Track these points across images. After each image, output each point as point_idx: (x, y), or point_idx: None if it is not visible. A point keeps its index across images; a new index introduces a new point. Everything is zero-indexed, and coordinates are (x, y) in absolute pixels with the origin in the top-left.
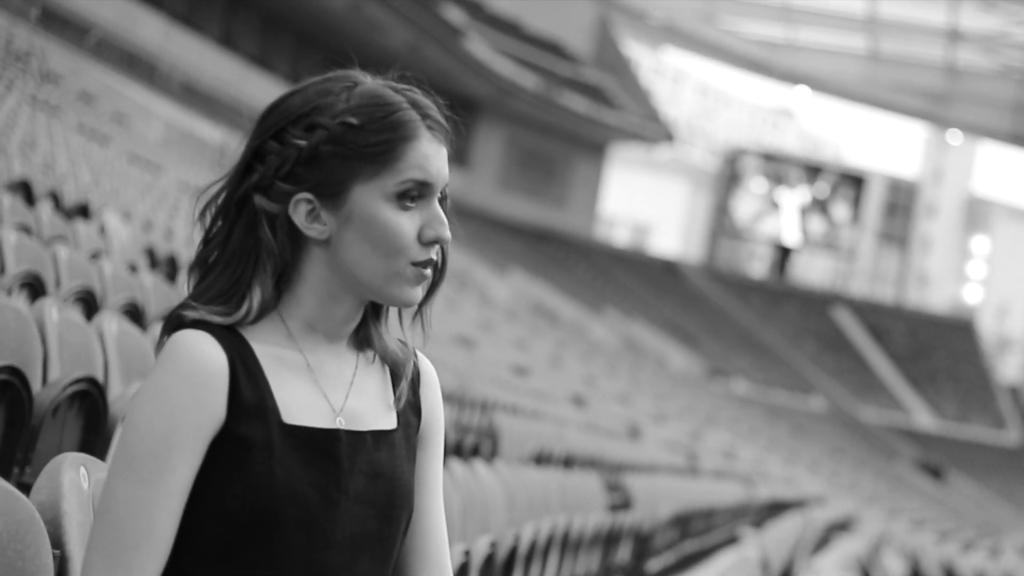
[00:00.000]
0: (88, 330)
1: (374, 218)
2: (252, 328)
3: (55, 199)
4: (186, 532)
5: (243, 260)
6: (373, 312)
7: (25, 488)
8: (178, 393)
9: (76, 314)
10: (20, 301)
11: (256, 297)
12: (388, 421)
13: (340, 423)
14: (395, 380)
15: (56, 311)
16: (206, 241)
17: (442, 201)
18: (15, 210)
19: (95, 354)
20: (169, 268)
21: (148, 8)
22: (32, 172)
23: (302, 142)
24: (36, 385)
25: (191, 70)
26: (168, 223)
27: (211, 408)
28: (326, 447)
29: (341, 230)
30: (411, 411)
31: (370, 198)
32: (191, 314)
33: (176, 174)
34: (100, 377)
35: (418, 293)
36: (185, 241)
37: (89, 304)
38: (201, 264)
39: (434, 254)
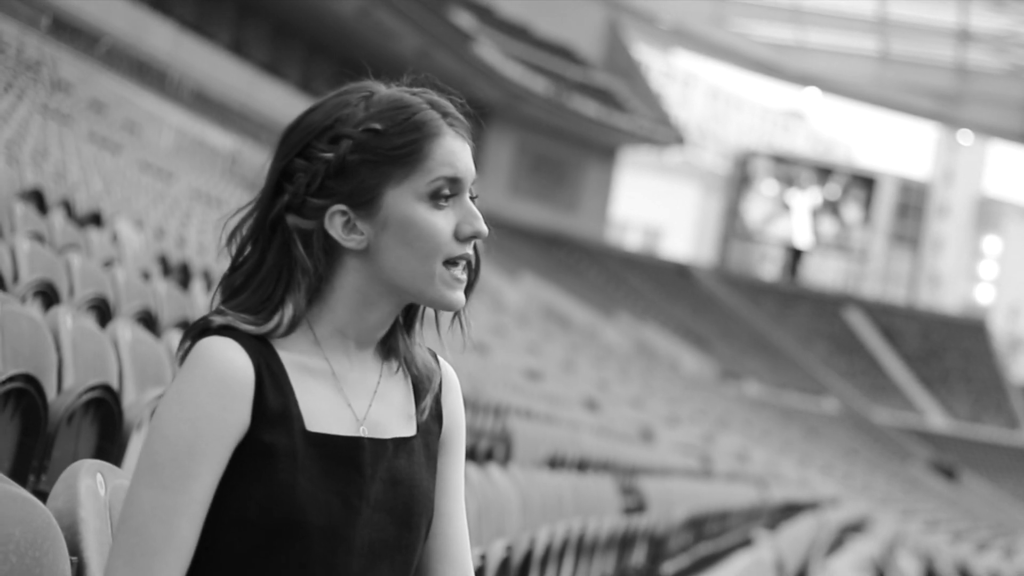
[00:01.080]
0: (102, 338)
1: (410, 219)
2: (279, 339)
3: (67, 207)
4: (209, 539)
5: (277, 280)
6: (404, 322)
7: (41, 495)
8: (204, 400)
9: (90, 322)
10: (34, 309)
11: (288, 313)
12: (408, 428)
13: (363, 431)
14: (418, 392)
15: (70, 319)
16: (234, 267)
17: (472, 199)
18: (28, 218)
19: (109, 362)
20: (182, 275)
21: (158, 16)
22: (44, 181)
23: (329, 155)
24: (51, 393)
25: (202, 78)
26: (180, 231)
27: (236, 416)
28: (349, 455)
29: (378, 237)
30: (432, 418)
31: (404, 200)
32: (219, 319)
33: (188, 182)
34: (115, 384)
35: (461, 296)
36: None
37: (103, 312)
38: (229, 287)
39: (471, 249)
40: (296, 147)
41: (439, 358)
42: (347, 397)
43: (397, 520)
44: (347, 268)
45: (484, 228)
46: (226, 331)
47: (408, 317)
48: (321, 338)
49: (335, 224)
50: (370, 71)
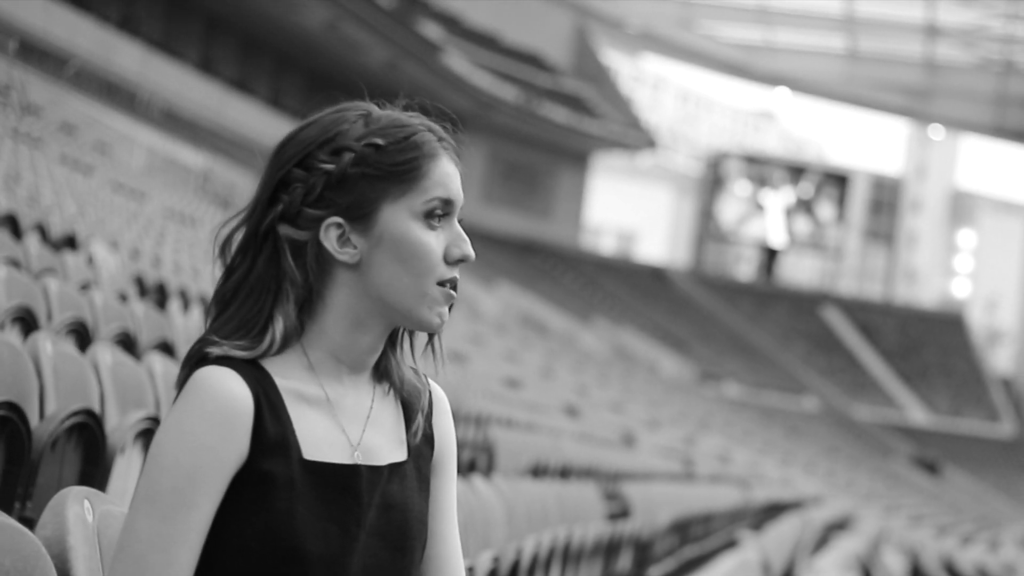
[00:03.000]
0: (83, 362)
1: (405, 237)
2: (274, 360)
3: (42, 231)
4: (207, 567)
5: (265, 291)
6: (390, 343)
7: (27, 522)
8: (203, 431)
9: (70, 346)
10: (13, 335)
11: (279, 328)
12: (400, 453)
13: (358, 458)
14: (408, 413)
15: (50, 344)
16: (227, 274)
17: (459, 222)
18: (2, 244)
19: (91, 386)
20: (159, 296)
21: (125, 36)
22: (18, 205)
23: (330, 166)
24: (34, 420)
25: (171, 96)
26: (155, 250)
27: (235, 445)
28: (346, 483)
29: (372, 252)
30: (424, 441)
31: (399, 217)
32: (215, 350)
33: (161, 201)
34: (97, 409)
35: (446, 315)
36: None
37: (82, 336)
38: (221, 299)
39: (457, 272)
40: (294, 157)
41: (427, 378)
42: (341, 423)
43: (391, 545)
44: (338, 283)
45: (472, 252)
46: (223, 361)
47: (392, 338)
48: (315, 363)
49: (330, 236)
50: (339, 85)
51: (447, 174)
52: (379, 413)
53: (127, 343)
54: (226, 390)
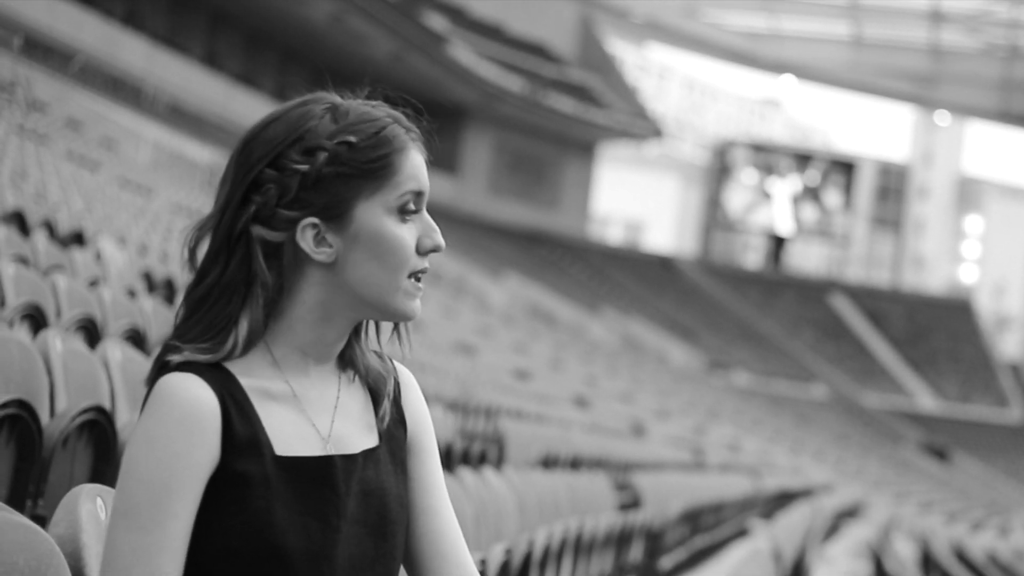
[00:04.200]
0: (92, 359)
1: (380, 233)
2: (237, 361)
3: (49, 228)
4: (193, 572)
5: (234, 294)
6: (354, 332)
7: (39, 520)
8: (172, 438)
9: (79, 343)
10: (22, 333)
11: (242, 331)
12: (371, 439)
13: (330, 448)
14: (375, 398)
15: (60, 342)
16: (200, 278)
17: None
18: (11, 241)
19: (101, 382)
20: (167, 291)
21: (130, 31)
22: (25, 202)
23: (304, 166)
24: (44, 417)
25: (177, 91)
26: (163, 246)
27: (206, 449)
28: (322, 475)
29: (347, 250)
30: (395, 424)
31: (374, 214)
32: (176, 357)
33: (167, 196)
34: (107, 405)
35: (419, 306)
36: (181, 263)
37: (91, 332)
38: (194, 302)
39: (428, 263)
40: (264, 158)
41: (392, 361)
42: (310, 417)
43: (373, 532)
44: (310, 281)
45: (442, 242)
46: (185, 367)
47: (356, 327)
48: (279, 358)
49: (306, 237)
50: (343, 78)
51: (416, 166)
52: (346, 402)
53: (136, 339)
54: (190, 396)
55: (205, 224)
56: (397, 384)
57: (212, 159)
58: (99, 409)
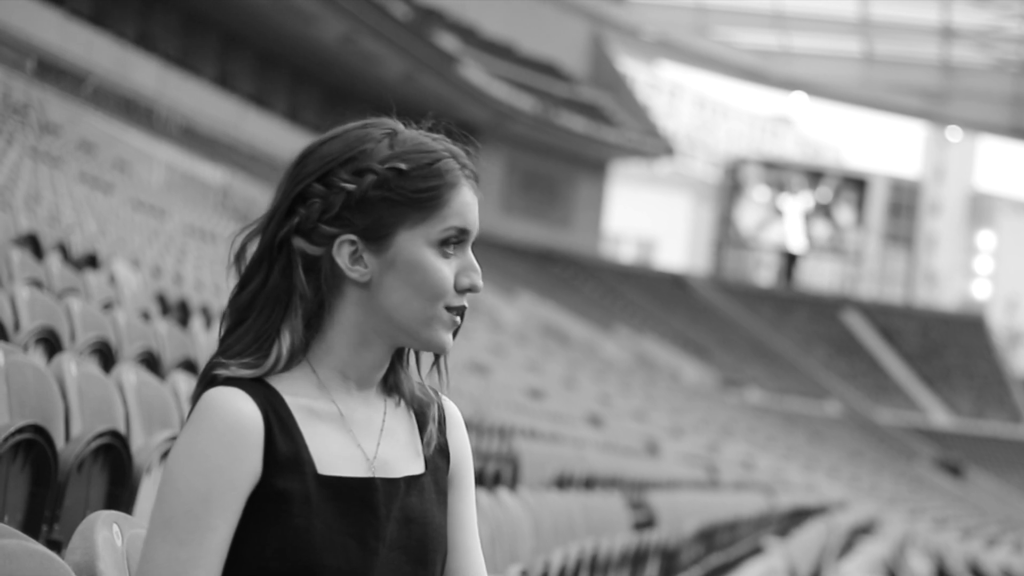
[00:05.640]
0: (107, 383)
1: (418, 263)
2: (282, 378)
3: (63, 251)
4: None
5: (275, 305)
6: (397, 357)
7: (55, 545)
8: (215, 452)
9: (94, 367)
10: (37, 356)
11: (285, 344)
12: (417, 466)
13: (374, 471)
14: (421, 424)
15: (75, 366)
16: (243, 284)
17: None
18: (25, 264)
19: (116, 406)
20: (181, 313)
21: (142, 53)
22: (39, 225)
23: (351, 186)
24: (59, 441)
25: (189, 112)
26: (177, 268)
27: (248, 465)
28: (363, 496)
29: (383, 274)
30: (439, 454)
31: (415, 243)
32: (222, 372)
33: (181, 217)
34: (122, 429)
35: (451, 339)
36: (195, 285)
37: (105, 355)
38: (237, 310)
39: (466, 301)
40: (314, 173)
41: (438, 393)
42: (356, 438)
43: (413, 558)
44: (347, 300)
45: (480, 283)
46: (231, 381)
47: (399, 353)
48: (324, 380)
49: (343, 253)
50: (358, 98)
51: (466, 204)
52: (392, 426)
53: (151, 362)
54: (235, 410)
55: (251, 230)
56: (442, 413)
57: (224, 180)
58: (114, 433)
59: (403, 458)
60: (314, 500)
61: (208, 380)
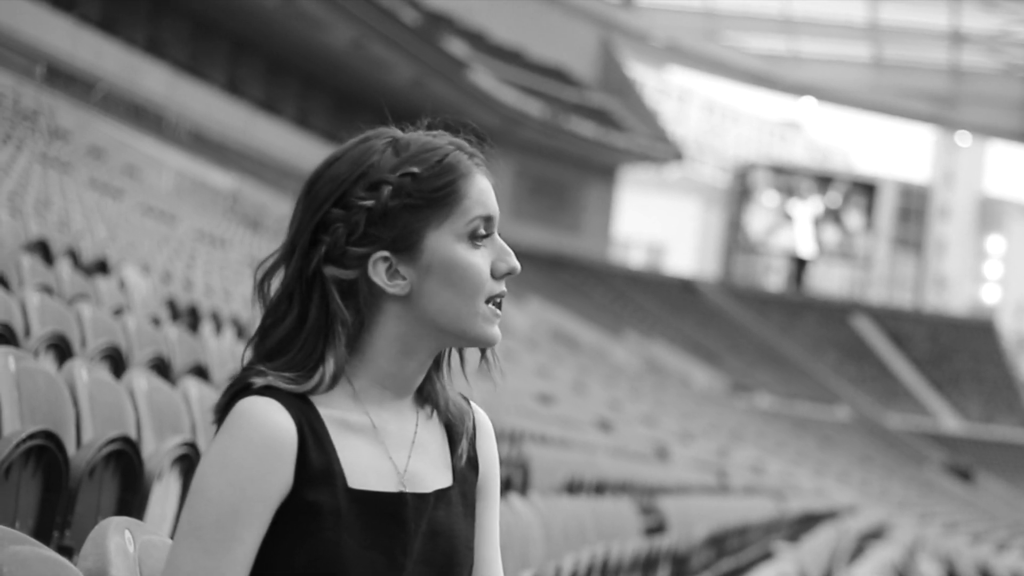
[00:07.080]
0: (118, 388)
1: (453, 261)
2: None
3: (73, 256)
4: None
5: (317, 337)
6: (435, 365)
7: (66, 551)
8: (247, 463)
9: (105, 373)
10: (48, 362)
11: (330, 368)
12: (445, 478)
13: (404, 485)
14: (452, 436)
15: (86, 372)
16: (278, 319)
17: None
18: (35, 270)
19: (127, 412)
20: (191, 319)
21: (152, 59)
22: (49, 231)
23: (370, 202)
24: (71, 448)
25: (198, 118)
26: (186, 273)
27: (279, 476)
28: (393, 512)
29: (421, 281)
30: (468, 466)
31: (445, 242)
32: (259, 380)
33: (191, 223)
34: (133, 435)
35: (498, 331)
36: (204, 290)
37: (116, 361)
38: (273, 347)
39: (505, 286)
40: (330, 197)
41: (471, 402)
42: (387, 450)
43: (438, 572)
44: (388, 315)
45: (517, 264)
46: (267, 391)
47: (436, 361)
48: (360, 391)
49: (379, 271)
50: (366, 105)
51: (483, 191)
52: (424, 438)
53: (161, 368)
54: (270, 421)
55: (272, 263)
56: (474, 424)
57: (234, 186)
58: (125, 439)
59: (433, 471)
60: (344, 514)
61: (242, 386)
